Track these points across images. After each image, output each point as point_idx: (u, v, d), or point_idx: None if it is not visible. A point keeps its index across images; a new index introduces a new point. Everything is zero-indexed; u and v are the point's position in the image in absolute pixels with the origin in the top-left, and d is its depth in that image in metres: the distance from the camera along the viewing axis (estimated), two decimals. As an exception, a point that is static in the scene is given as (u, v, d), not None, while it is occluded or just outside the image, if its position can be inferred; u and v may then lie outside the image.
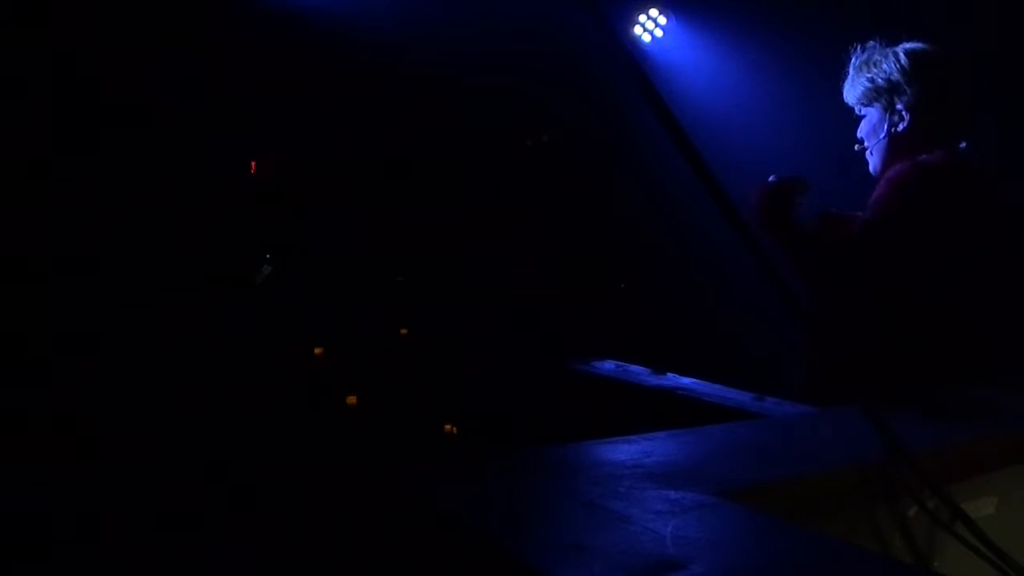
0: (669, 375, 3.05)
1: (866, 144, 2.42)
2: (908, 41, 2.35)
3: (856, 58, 2.40)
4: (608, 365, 3.21)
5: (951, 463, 1.34)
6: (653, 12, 4.89)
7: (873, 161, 2.41)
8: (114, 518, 2.81)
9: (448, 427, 4.07)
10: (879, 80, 2.34)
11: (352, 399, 4.11)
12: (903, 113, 2.32)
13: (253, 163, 4.30)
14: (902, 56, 2.32)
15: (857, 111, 2.44)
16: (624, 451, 1.25)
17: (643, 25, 4.91)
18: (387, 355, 4.35)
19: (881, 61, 2.34)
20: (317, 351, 4.19)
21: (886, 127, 2.36)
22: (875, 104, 2.37)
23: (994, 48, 3.43)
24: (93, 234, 3.71)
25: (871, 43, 2.39)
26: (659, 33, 4.92)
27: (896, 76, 2.32)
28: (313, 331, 4.23)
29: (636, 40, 4.92)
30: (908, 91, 2.31)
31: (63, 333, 3.50)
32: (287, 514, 2.67)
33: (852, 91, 2.42)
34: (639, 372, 3.12)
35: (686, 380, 2.95)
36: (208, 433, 3.40)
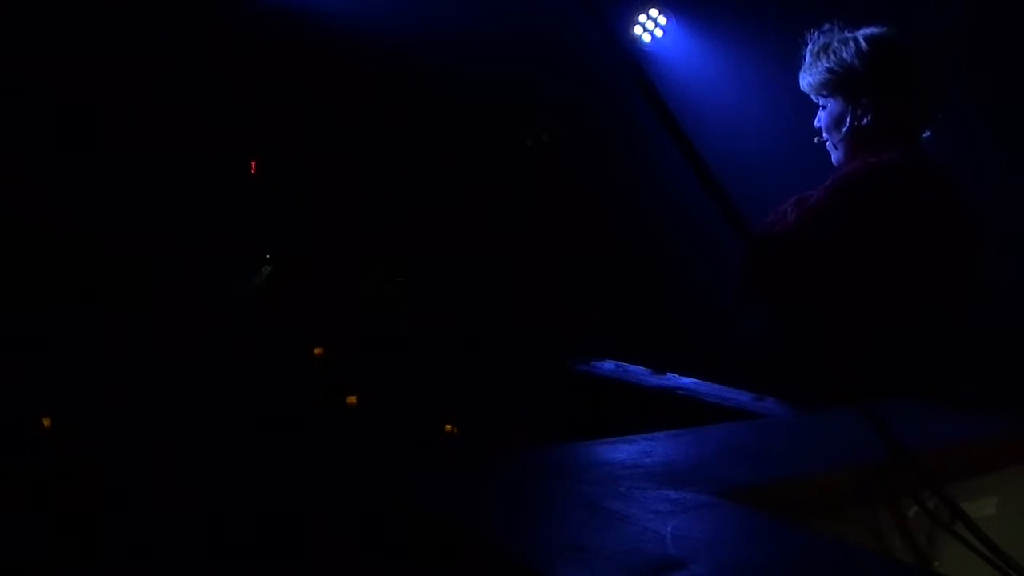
0: (669, 375, 3.04)
1: (826, 137, 2.29)
2: (868, 26, 2.21)
3: (813, 43, 2.26)
4: (608, 365, 3.21)
5: (951, 463, 1.34)
6: (653, 12, 4.89)
7: (836, 156, 2.29)
8: (112, 519, 2.82)
9: (448, 427, 4.07)
10: (839, 70, 2.19)
11: (352, 399, 4.11)
12: (867, 106, 2.18)
13: (253, 163, 4.30)
14: (863, 43, 2.17)
15: (814, 100, 2.30)
16: (624, 451, 1.25)
17: (643, 25, 4.91)
18: (387, 355, 4.35)
19: (841, 49, 2.19)
20: (317, 351, 4.19)
21: (849, 120, 2.22)
22: (836, 96, 2.23)
23: (993, 42, 3.43)
24: (92, 234, 3.71)
25: (827, 26, 2.24)
26: (659, 33, 4.92)
27: (857, 65, 2.17)
28: (313, 331, 4.23)
29: (636, 40, 4.92)
30: (871, 82, 2.16)
31: (63, 333, 3.50)
32: (286, 515, 2.67)
33: (809, 79, 2.27)
34: (639, 372, 3.12)
35: (686, 380, 2.95)
36: (208, 433, 3.40)
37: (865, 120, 2.20)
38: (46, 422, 3.38)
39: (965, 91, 3.29)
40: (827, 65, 2.23)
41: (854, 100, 2.21)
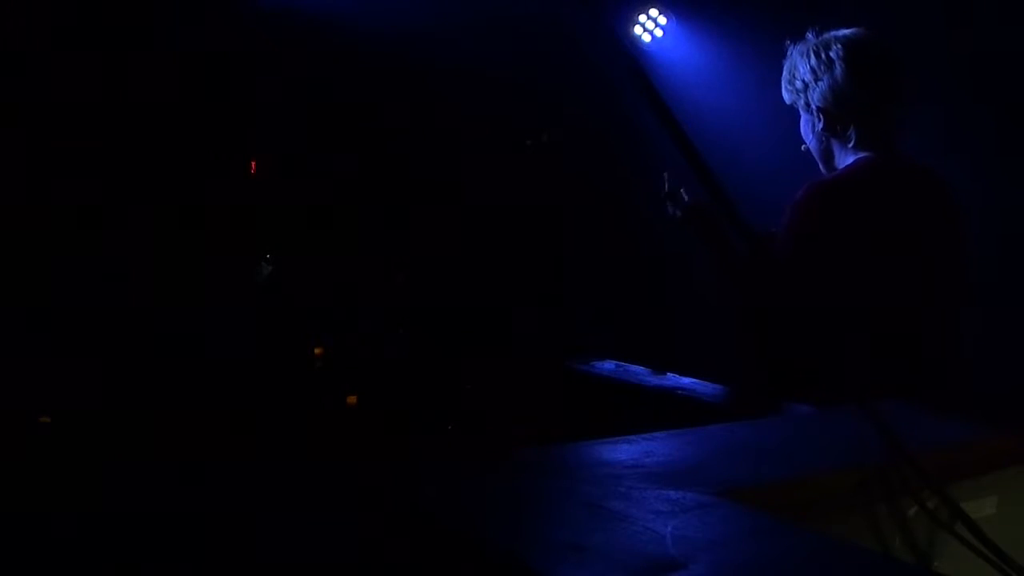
0: (669, 375, 3.05)
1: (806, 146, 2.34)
2: (839, 30, 2.21)
3: (787, 54, 2.29)
4: (608, 365, 3.22)
5: (951, 463, 1.34)
6: (653, 12, 4.89)
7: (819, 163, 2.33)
8: (115, 517, 2.81)
9: (448, 427, 4.07)
10: (797, 82, 2.24)
11: (352, 399, 4.11)
12: (817, 113, 2.22)
13: (253, 163, 4.30)
14: (811, 52, 2.20)
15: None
16: (624, 451, 1.25)
17: (643, 25, 4.91)
18: (387, 355, 4.35)
19: (798, 60, 2.23)
20: (317, 351, 4.19)
21: (809, 128, 2.27)
22: (798, 104, 2.28)
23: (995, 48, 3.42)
24: (92, 235, 3.71)
25: (809, 35, 2.25)
26: (659, 33, 4.91)
27: (807, 76, 2.21)
28: (313, 331, 4.23)
29: (636, 40, 4.92)
30: (816, 89, 2.19)
31: (62, 333, 3.50)
32: (285, 514, 2.67)
33: (782, 90, 2.32)
34: (639, 372, 3.13)
35: (686, 380, 2.96)
36: (208, 433, 3.40)
37: (819, 127, 2.23)
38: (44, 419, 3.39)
39: (965, 92, 3.29)
40: (787, 76, 2.27)
41: (808, 108, 2.25)
